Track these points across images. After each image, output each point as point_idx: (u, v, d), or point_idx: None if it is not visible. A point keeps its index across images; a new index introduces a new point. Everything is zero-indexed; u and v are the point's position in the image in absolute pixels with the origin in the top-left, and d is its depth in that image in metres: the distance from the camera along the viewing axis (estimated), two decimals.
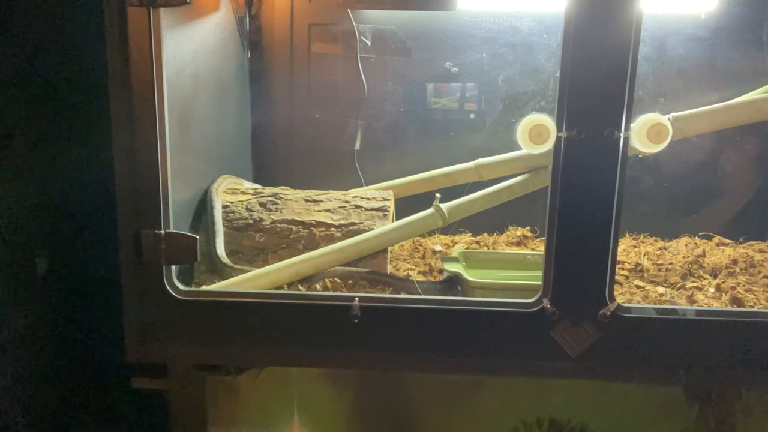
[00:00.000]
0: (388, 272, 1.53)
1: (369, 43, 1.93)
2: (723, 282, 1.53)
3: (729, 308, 1.42)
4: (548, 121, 1.35)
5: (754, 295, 1.46)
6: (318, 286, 1.46)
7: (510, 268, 1.65)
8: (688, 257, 1.69)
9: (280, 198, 1.62)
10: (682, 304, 1.44)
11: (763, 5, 1.85)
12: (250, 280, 1.44)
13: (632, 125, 1.28)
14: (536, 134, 1.37)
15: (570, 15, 1.18)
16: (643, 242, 1.89)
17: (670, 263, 1.67)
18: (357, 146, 2.00)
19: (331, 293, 1.43)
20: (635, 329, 1.29)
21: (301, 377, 1.58)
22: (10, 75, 1.38)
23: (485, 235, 1.92)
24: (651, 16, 1.81)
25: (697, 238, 1.88)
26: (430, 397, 1.58)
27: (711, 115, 1.59)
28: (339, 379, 1.58)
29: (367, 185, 1.86)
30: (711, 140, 1.88)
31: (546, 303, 1.28)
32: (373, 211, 1.59)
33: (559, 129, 1.22)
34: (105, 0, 1.21)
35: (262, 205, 1.60)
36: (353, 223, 1.56)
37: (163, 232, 1.30)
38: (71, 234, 1.57)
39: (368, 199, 1.63)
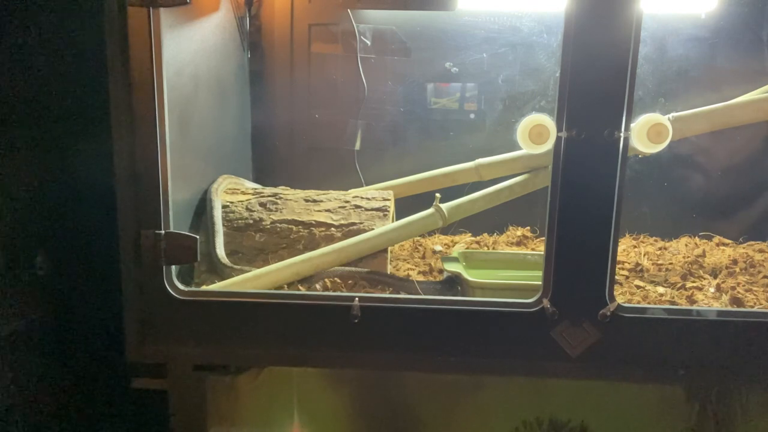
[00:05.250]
0: (388, 272, 1.53)
1: (369, 43, 1.93)
2: (723, 282, 1.53)
3: (729, 308, 1.42)
4: (548, 121, 1.35)
5: (754, 295, 1.46)
6: (318, 286, 1.46)
7: (510, 268, 1.65)
8: (688, 257, 1.69)
9: (280, 198, 1.63)
10: (682, 304, 1.44)
11: (763, 5, 1.85)
12: (250, 280, 1.44)
13: (632, 125, 1.27)
14: (536, 134, 1.38)
15: (570, 15, 1.18)
16: (643, 242, 1.89)
17: (670, 263, 1.67)
18: (357, 146, 2.00)
19: (331, 293, 1.43)
20: (635, 329, 1.29)
21: (301, 377, 1.58)
22: (10, 75, 1.38)
23: (485, 235, 1.92)
24: (651, 16, 1.81)
25: (697, 238, 1.88)
26: (430, 397, 1.58)
27: (711, 115, 1.59)
28: (339, 378, 1.58)
29: (367, 185, 1.86)
30: (711, 140, 1.88)
31: (546, 303, 1.28)
32: (373, 211, 1.59)
33: (559, 129, 1.22)
34: (105, 0, 1.21)
35: (262, 205, 1.60)
36: (353, 223, 1.56)
37: (163, 232, 1.30)
38: (71, 234, 1.57)
39: (368, 199, 1.63)
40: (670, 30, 1.84)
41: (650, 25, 1.81)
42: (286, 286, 1.47)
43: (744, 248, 1.81)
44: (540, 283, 1.29)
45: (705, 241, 1.87)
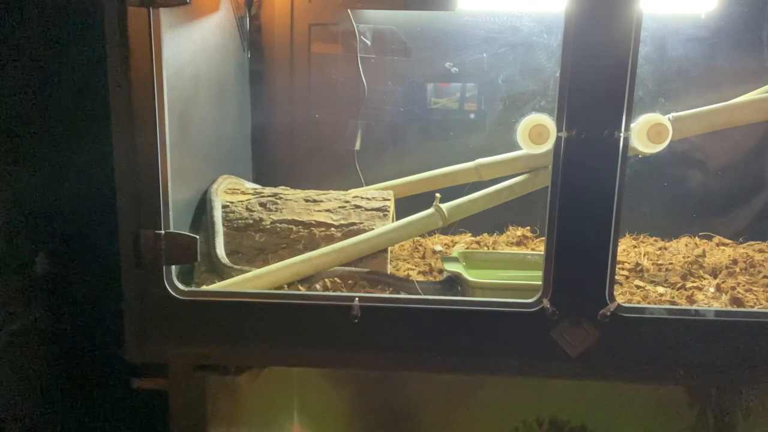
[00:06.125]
0: (388, 272, 1.53)
1: (369, 43, 1.93)
2: (723, 282, 1.53)
3: (729, 308, 1.42)
4: (548, 121, 1.35)
5: (754, 295, 1.46)
6: (318, 286, 1.47)
7: (510, 268, 1.65)
8: (688, 257, 1.69)
9: (280, 198, 1.63)
10: (682, 304, 1.44)
11: (763, 5, 1.85)
12: (250, 280, 1.44)
13: (632, 125, 1.28)
14: (536, 134, 1.37)
15: (570, 15, 1.18)
16: (643, 242, 1.89)
17: (670, 263, 1.67)
18: (357, 146, 2.00)
19: (331, 293, 1.43)
20: (635, 329, 1.29)
21: (301, 377, 1.58)
22: (10, 75, 1.38)
23: (485, 235, 1.92)
24: (651, 16, 1.81)
25: (697, 238, 1.88)
26: (430, 397, 1.58)
27: (711, 115, 1.59)
28: (339, 378, 1.58)
29: (367, 185, 1.86)
30: (711, 140, 1.88)
31: (546, 303, 1.28)
32: (373, 211, 1.59)
33: (559, 129, 1.22)
34: (105, 0, 1.21)
35: (262, 205, 1.60)
36: (353, 223, 1.56)
37: (163, 232, 1.30)
38: (71, 234, 1.57)
39: (368, 199, 1.63)
40: (670, 30, 1.84)
41: (650, 25, 1.81)
42: (286, 286, 1.47)
43: (744, 248, 1.81)
44: (540, 283, 1.29)
45: (705, 241, 1.87)
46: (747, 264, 1.63)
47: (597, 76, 1.19)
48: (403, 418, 1.59)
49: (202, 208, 1.57)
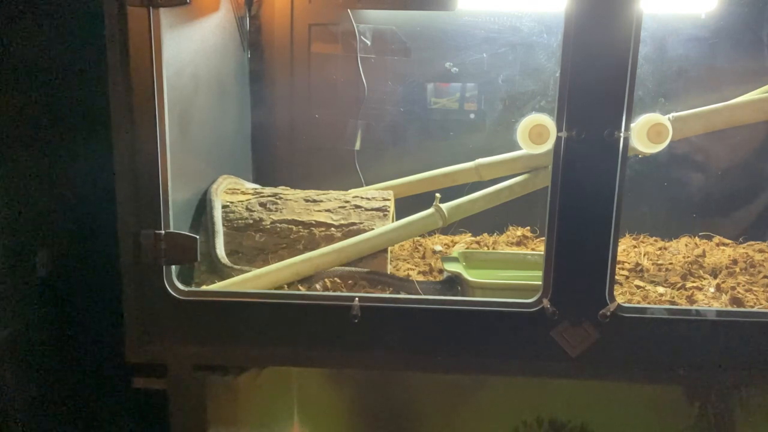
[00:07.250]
0: (388, 272, 1.53)
1: (369, 43, 1.93)
2: (723, 282, 1.53)
3: (729, 308, 1.42)
4: (548, 121, 1.35)
5: (754, 295, 1.46)
6: (318, 286, 1.47)
7: (510, 268, 1.65)
8: (688, 257, 1.69)
9: (280, 198, 1.63)
10: (682, 304, 1.44)
11: (763, 5, 1.85)
12: (250, 280, 1.44)
13: (632, 125, 1.28)
14: (536, 134, 1.37)
15: (570, 15, 1.18)
16: (643, 242, 1.89)
17: (670, 263, 1.67)
18: (357, 146, 2.00)
19: (331, 293, 1.43)
20: (635, 329, 1.29)
21: (301, 377, 1.58)
22: (10, 75, 1.38)
23: (485, 235, 1.92)
24: (651, 16, 1.81)
25: (697, 238, 1.88)
26: (430, 397, 1.58)
27: (711, 115, 1.59)
28: (339, 378, 1.58)
29: (367, 185, 1.86)
30: (711, 140, 1.88)
31: (546, 303, 1.28)
32: (373, 211, 1.59)
33: (559, 129, 1.22)
34: (105, 0, 1.21)
35: (262, 205, 1.60)
36: (353, 223, 1.56)
37: (163, 232, 1.30)
38: (71, 234, 1.57)
39: (368, 199, 1.63)
40: (670, 30, 1.84)
41: (650, 25, 1.81)
42: (286, 286, 1.47)
43: (744, 248, 1.81)
44: (540, 283, 1.29)
45: (705, 241, 1.87)
46: (747, 264, 1.63)
47: (597, 76, 1.19)
48: (403, 418, 1.59)
49: (202, 208, 1.57)
